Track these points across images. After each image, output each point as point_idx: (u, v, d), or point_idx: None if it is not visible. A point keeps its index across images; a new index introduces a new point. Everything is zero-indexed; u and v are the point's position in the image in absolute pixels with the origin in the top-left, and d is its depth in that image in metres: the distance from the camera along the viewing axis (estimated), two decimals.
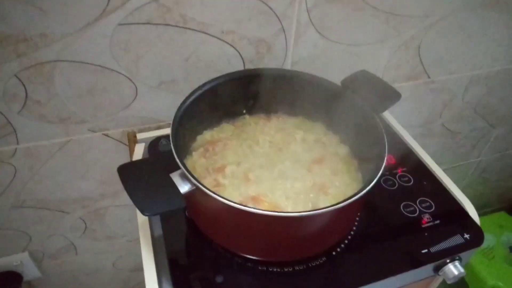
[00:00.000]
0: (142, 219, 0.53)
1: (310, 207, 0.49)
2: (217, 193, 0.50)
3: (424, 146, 1.06)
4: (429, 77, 0.86)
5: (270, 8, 0.62)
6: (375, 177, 0.43)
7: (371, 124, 0.51)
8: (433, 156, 1.11)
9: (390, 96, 0.56)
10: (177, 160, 0.43)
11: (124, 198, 0.80)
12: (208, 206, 0.45)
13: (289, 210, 0.49)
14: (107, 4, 0.54)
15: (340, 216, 0.48)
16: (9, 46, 0.53)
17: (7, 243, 0.79)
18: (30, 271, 0.85)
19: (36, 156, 0.67)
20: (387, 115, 0.74)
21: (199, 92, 0.54)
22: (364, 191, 0.42)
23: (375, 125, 0.50)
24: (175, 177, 0.43)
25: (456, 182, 1.24)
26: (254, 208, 0.40)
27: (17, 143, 0.64)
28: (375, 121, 0.51)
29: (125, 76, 0.62)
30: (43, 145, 0.66)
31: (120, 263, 0.97)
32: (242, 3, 0.60)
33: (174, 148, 0.45)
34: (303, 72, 0.59)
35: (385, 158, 0.45)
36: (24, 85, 0.58)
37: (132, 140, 0.66)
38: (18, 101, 0.59)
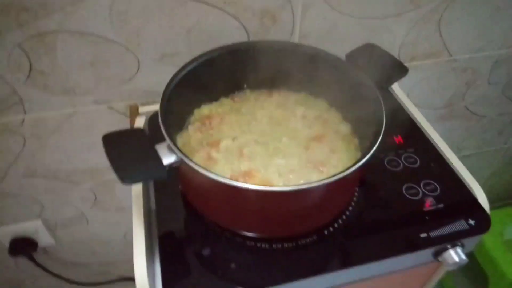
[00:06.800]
0: (136, 191, 0.53)
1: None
2: (207, 167, 0.50)
3: (445, 130, 1.01)
4: (450, 55, 0.81)
5: None
6: (368, 153, 0.41)
7: (372, 100, 0.48)
8: (455, 141, 1.06)
9: (396, 70, 0.52)
10: (163, 130, 0.42)
11: None
12: (194, 180, 0.44)
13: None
14: None
15: (331, 193, 0.46)
16: (10, 15, 0.54)
17: (21, 210, 0.82)
18: (44, 238, 0.89)
19: (43, 127, 0.68)
20: (400, 94, 0.70)
21: (195, 64, 0.53)
22: (352, 169, 0.40)
23: (376, 100, 0.47)
24: (161, 148, 0.42)
25: (481, 169, 1.17)
26: (235, 182, 0.39)
27: (24, 113, 0.65)
28: (376, 95, 0.48)
29: (126, 48, 0.61)
30: (49, 116, 0.67)
31: (131, 235, 0.98)
32: None
33: (161, 118, 0.44)
34: (306, 44, 0.57)
35: (381, 134, 0.43)
36: (27, 55, 0.58)
37: (134, 113, 0.66)
38: (22, 71, 0.60)
